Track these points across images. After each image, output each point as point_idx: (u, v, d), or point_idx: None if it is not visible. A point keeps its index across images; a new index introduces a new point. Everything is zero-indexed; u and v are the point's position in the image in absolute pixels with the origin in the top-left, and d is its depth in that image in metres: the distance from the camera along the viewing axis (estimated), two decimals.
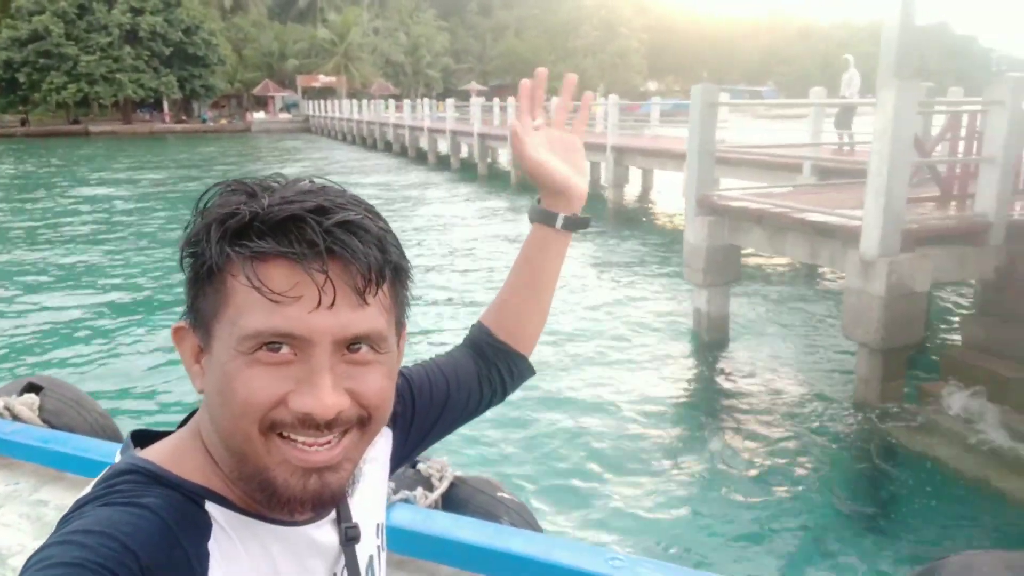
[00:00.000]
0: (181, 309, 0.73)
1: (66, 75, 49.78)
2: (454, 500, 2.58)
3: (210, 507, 0.71)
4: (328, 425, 0.68)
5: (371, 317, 0.69)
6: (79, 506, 0.68)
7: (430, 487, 2.58)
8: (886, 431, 6.13)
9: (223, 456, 0.72)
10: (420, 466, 2.62)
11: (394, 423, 0.97)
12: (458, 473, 2.67)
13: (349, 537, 0.82)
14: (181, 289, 0.72)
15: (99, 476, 0.72)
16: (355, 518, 0.84)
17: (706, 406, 6.98)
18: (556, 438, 6.24)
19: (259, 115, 58.86)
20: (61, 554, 0.60)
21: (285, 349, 0.66)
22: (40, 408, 2.93)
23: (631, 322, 9.35)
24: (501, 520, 2.48)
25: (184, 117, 59.81)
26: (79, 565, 0.59)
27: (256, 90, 62.54)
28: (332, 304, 0.66)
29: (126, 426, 4.21)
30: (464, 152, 28.05)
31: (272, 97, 62.64)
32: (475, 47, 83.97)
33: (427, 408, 1.02)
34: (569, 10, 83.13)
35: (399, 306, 0.75)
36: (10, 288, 11.33)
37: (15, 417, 2.83)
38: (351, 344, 0.68)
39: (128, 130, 53.62)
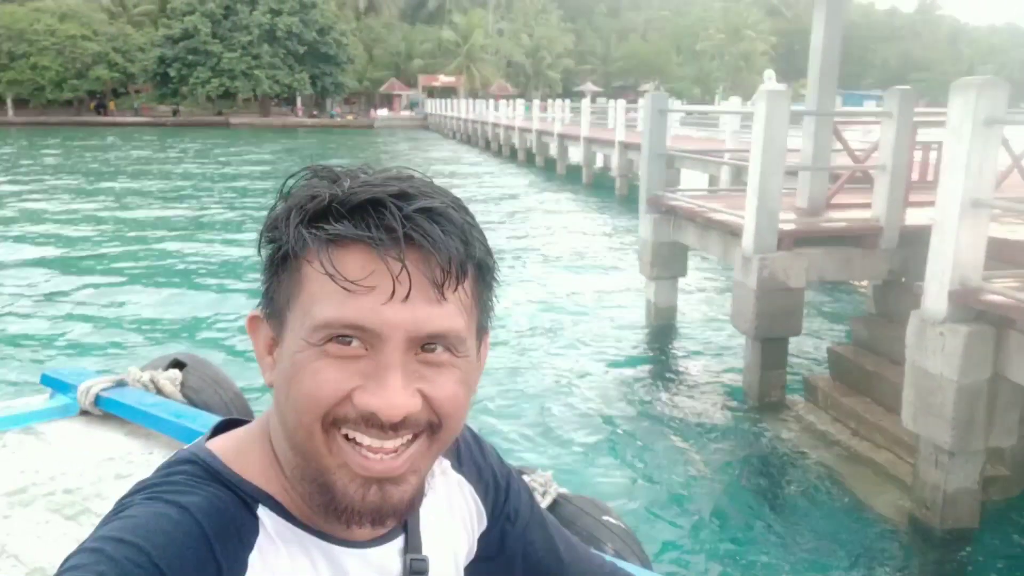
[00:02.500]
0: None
1: (210, 71, 54.56)
2: (555, 518, 2.77)
3: (262, 512, 0.69)
4: (394, 427, 0.64)
5: (449, 315, 0.65)
6: (136, 490, 0.68)
7: None
8: (761, 416, 6.61)
9: (287, 454, 0.69)
10: (524, 478, 2.72)
11: (493, 513, 0.91)
12: (563, 490, 2.55)
13: (414, 571, 0.77)
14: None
15: (166, 460, 0.72)
16: (427, 551, 0.79)
17: (641, 388, 7.57)
18: (527, 403, 7.04)
19: (382, 112, 62.11)
20: (89, 565, 0.60)
21: (356, 343, 0.63)
22: (182, 384, 2.98)
23: (605, 307, 10.03)
24: (604, 547, 2.31)
25: (315, 112, 63.88)
26: None
27: (383, 88, 65.94)
28: (407, 297, 0.62)
29: (259, 406, 5.13)
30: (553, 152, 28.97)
31: (398, 95, 65.85)
32: (599, 49, 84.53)
33: (515, 549, 0.93)
34: (699, 12, 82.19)
35: (481, 308, 0.71)
36: (162, 269, 12.51)
37: (159, 390, 2.91)
38: (426, 343, 0.65)
39: (264, 122, 57.96)
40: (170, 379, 2.98)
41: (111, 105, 59.23)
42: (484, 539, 0.90)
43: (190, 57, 54.52)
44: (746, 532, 5.20)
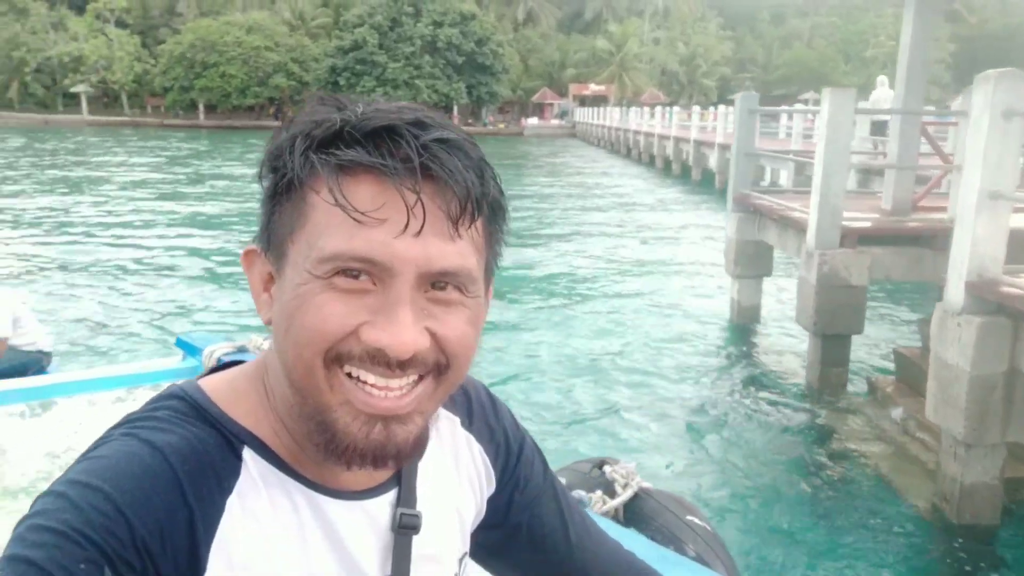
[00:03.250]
0: None
1: (375, 80, 58.05)
2: (635, 513, 2.34)
3: (247, 454, 0.67)
4: (402, 366, 0.62)
5: (461, 253, 0.63)
6: (120, 424, 0.68)
7: (612, 493, 2.37)
8: (820, 413, 6.67)
9: (284, 393, 0.67)
10: (606, 468, 2.45)
11: (503, 477, 0.88)
12: (646, 484, 2.44)
13: (403, 524, 0.74)
14: None
15: (158, 393, 0.72)
16: (424, 507, 0.76)
17: (714, 383, 7.73)
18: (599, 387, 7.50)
19: (532, 120, 63.60)
20: (53, 511, 0.59)
21: (364, 277, 0.61)
22: None
23: (697, 304, 10.21)
24: (685, 547, 2.19)
25: (470, 121, 66.29)
26: (63, 534, 0.57)
27: (535, 97, 67.45)
28: (420, 231, 0.60)
29: None
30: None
31: (550, 104, 67.16)
32: (760, 56, 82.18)
33: (521, 507, 0.89)
34: (870, 18, 78.09)
35: (492, 250, 0.69)
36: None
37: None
38: (436, 281, 0.62)
39: None
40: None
41: (288, 111, 64.43)
42: (492, 503, 0.88)
43: (358, 67, 58.31)
44: (785, 524, 5.36)
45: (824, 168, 6.38)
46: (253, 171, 0.67)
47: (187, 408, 0.68)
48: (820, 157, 6.42)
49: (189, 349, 3.24)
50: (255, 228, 0.69)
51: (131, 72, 61.41)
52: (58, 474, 0.64)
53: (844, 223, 6.51)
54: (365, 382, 0.62)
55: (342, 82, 58.63)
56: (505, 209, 0.68)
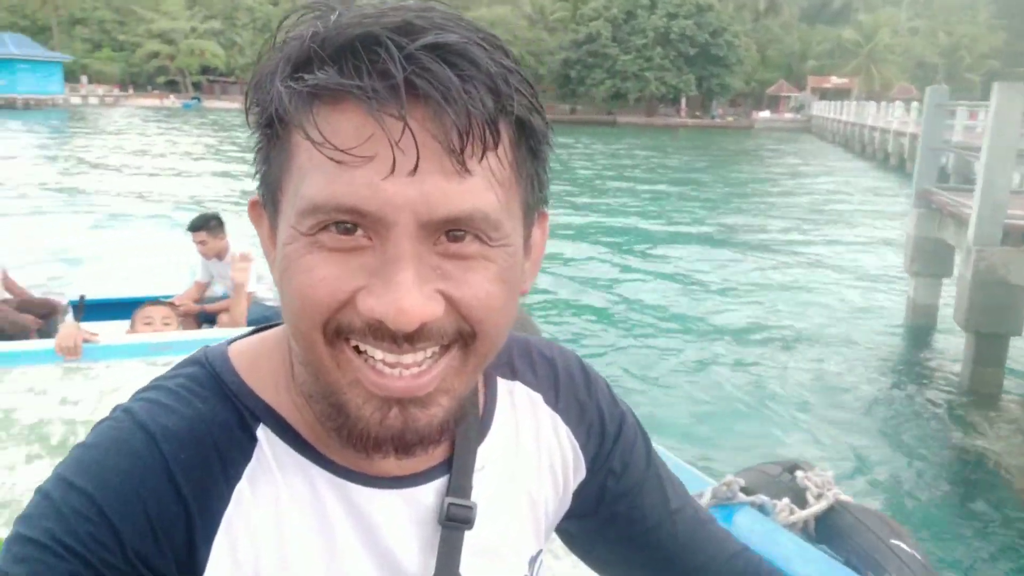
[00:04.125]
0: None
1: (605, 72, 59.17)
2: (828, 528, 2.10)
3: (261, 433, 0.58)
4: (409, 339, 0.50)
5: (473, 192, 0.49)
6: (148, 387, 0.61)
7: (802, 502, 2.14)
8: (966, 413, 6.60)
9: (300, 367, 0.58)
10: (798, 473, 2.24)
11: (595, 463, 0.75)
12: (845, 497, 2.19)
13: (451, 516, 0.62)
14: None
15: (187, 357, 0.63)
16: (487, 498, 0.65)
17: (876, 378, 7.75)
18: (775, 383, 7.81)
19: (763, 114, 61.44)
20: (37, 518, 0.53)
21: (359, 232, 0.49)
22: None
23: (877, 304, 10.05)
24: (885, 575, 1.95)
25: (698, 113, 65.40)
26: (45, 547, 0.52)
27: (771, 90, 65.01)
28: (415, 168, 0.47)
29: None
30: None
31: (785, 97, 64.43)
32: None
33: (620, 494, 0.76)
34: None
35: (527, 183, 0.55)
36: None
37: None
38: (449, 230, 0.50)
39: (647, 122, 61.18)
40: None
41: None
42: (580, 492, 0.74)
43: (590, 59, 59.73)
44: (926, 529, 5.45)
45: (988, 163, 6.31)
46: None
47: (204, 377, 0.60)
48: (985, 152, 6.36)
49: None
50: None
51: None
52: None
53: (1009, 220, 6.39)
54: (374, 357, 0.52)
55: (573, 75, 60.42)
56: (542, 132, 0.54)
